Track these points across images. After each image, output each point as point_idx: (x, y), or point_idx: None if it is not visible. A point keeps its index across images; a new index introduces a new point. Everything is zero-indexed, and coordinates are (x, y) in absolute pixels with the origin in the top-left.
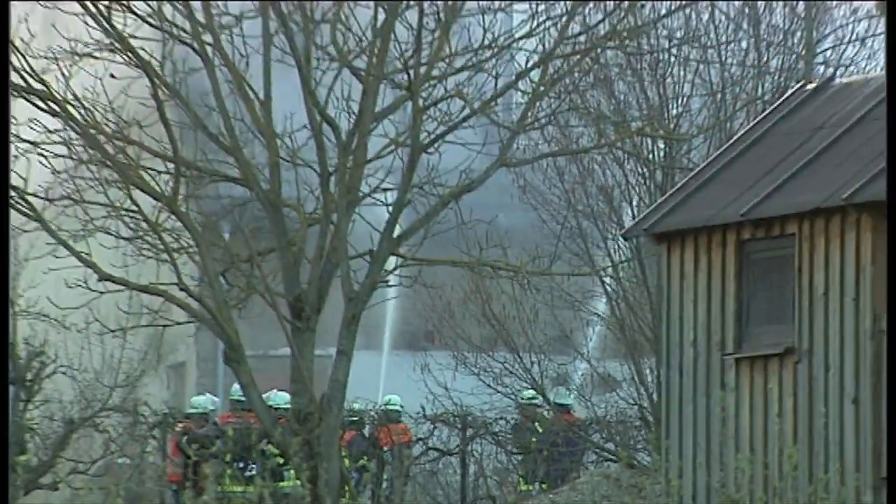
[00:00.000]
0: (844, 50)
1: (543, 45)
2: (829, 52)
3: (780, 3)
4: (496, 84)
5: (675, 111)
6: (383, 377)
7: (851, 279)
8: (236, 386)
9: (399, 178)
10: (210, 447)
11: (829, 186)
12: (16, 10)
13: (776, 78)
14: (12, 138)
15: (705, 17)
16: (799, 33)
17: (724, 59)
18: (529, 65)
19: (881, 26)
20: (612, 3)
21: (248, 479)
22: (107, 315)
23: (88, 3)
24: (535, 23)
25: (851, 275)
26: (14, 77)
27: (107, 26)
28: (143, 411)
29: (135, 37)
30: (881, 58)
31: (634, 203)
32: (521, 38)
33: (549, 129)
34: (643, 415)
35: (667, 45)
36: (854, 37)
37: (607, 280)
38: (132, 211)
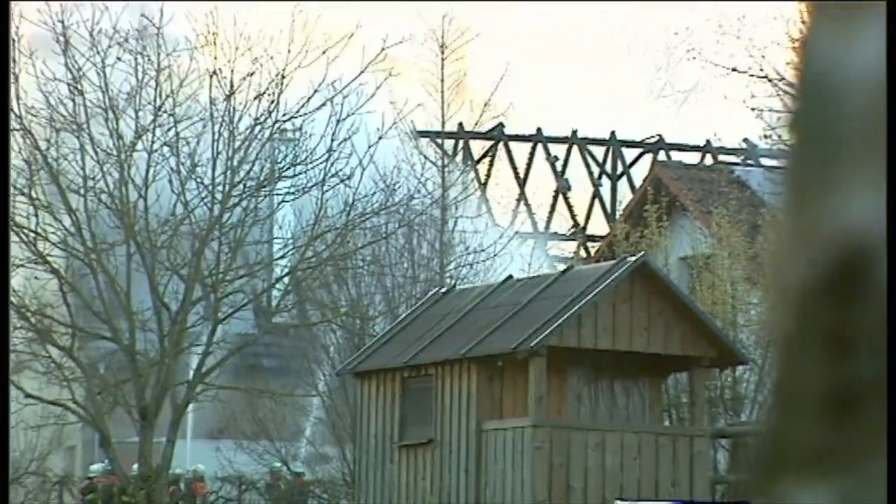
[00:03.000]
0: (461, 270)
1: (290, 263)
2: (453, 271)
3: (426, 243)
4: (264, 284)
5: (365, 302)
6: (189, 455)
7: (465, 400)
8: (106, 461)
9: (206, 338)
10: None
11: (452, 347)
12: None
13: (424, 285)
14: None
15: (384, 248)
16: (436, 259)
17: (394, 274)
18: (282, 273)
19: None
20: (331, 237)
21: None
22: (29, 418)
23: (22, 235)
24: (286, 249)
25: (465, 398)
26: None
27: (33, 249)
28: (49, 475)
29: (50, 255)
30: (484, 276)
31: (343, 354)
32: (278, 259)
33: (293, 311)
34: (345, 478)
35: (361, 264)
36: (467, 263)
37: (326, 399)
38: (46, 356)
